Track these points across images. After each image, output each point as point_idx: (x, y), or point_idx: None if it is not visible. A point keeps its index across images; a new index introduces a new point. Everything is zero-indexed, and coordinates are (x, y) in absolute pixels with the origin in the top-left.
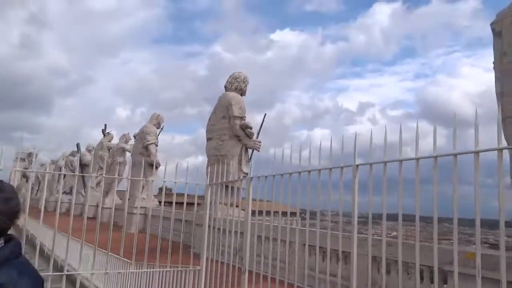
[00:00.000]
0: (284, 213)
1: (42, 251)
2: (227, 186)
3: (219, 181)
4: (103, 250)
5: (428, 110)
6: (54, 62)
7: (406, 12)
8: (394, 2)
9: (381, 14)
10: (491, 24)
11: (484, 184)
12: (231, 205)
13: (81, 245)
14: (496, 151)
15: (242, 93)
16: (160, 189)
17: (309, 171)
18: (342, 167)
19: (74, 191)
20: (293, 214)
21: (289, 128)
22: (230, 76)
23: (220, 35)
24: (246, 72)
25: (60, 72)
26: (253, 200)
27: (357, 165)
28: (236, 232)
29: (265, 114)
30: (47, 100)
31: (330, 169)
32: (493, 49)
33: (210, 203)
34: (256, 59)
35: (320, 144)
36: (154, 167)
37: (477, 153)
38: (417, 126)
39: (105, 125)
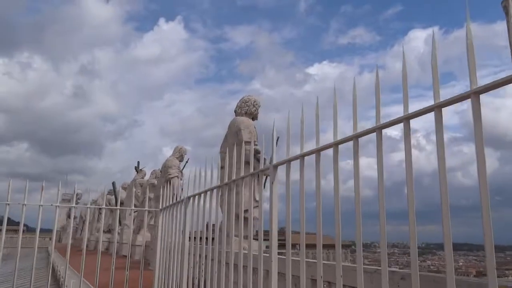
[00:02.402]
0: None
1: None
2: (238, 216)
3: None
4: None
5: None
6: (104, 108)
7: (443, 37)
8: (430, 28)
9: (417, 40)
10: (501, 3)
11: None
12: (245, 237)
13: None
14: None
15: (254, 117)
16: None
17: (226, 184)
18: (258, 172)
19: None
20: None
21: (331, 160)
22: (239, 100)
23: (258, 71)
24: (256, 95)
25: (109, 118)
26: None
27: (274, 166)
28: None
29: (278, 137)
30: (98, 144)
31: (243, 178)
32: (507, 27)
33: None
34: (295, 92)
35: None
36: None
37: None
38: (336, 107)
39: (138, 162)
